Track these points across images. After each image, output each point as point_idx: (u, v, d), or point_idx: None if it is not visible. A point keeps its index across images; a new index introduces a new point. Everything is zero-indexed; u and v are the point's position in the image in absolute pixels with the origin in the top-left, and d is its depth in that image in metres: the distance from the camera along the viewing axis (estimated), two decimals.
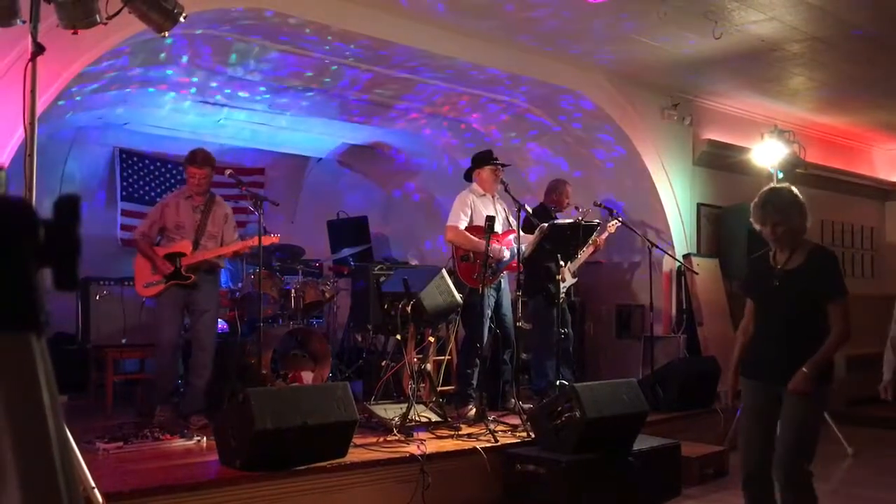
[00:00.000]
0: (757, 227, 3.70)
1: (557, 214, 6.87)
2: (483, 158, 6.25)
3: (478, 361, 5.95)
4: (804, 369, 3.50)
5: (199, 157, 5.70)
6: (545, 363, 6.57)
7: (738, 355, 3.86)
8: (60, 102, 5.78)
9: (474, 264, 5.87)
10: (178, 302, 5.63)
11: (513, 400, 6.02)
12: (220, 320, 6.24)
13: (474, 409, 5.80)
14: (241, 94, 7.23)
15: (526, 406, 5.70)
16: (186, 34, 5.59)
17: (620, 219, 7.27)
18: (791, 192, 3.69)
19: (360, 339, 7.64)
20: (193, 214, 5.71)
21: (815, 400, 3.59)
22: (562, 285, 6.14)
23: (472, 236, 5.93)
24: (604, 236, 7.19)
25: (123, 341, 6.64)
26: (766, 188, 3.77)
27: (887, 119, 9.28)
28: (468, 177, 6.32)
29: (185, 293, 5.62)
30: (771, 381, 3.65)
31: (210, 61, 6.34)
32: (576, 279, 7.08)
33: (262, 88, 7.10)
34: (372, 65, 6.59)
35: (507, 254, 5.99)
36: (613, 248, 7.65)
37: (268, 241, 5.61)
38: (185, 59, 6.19)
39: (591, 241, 6.55)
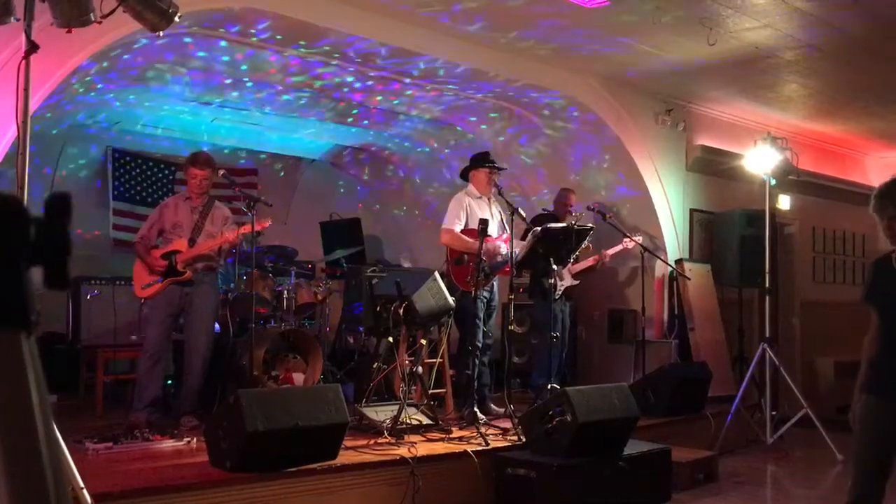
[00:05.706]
0: (876, 220, 3.35)
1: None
2: (479, 160, 6.30)
3: (477, 362, 5.95)
4: None
5: (201, 159, 5.76)
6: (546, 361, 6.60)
7: (862, 371, 3.38)
8: (54, 101, 5.76)
9: (468, 267, 5.87)
10: (174, 302, 5.60)
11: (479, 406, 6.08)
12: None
13: (477, 410, 5.79)
14: (234, 94, 7.22)
15: (497, 410, 5.69)
16: (182, 33, 5.58)
17: (639, 239, 7.28)
18: None
19: (351, 340, 7.62)
20: (191, 215, 5.73)
21: None
22: (559, 284, 6.14)
23: (467, 238, 5.94)
24: (612, 251, 7.22)
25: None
26: (887, 180, 3.38)
27: (880, 127, 9.32)
28: (464, 175, 6.35)
29: (181, 294, 5.60)
30: None
31: (204, 61, 6.32)
32: (577, 282, 7.10)
33: (257, 89, 7.08)
34: (364, 66, 6.59)
35: (503, 248, 5.98)
36: None
37: (260, 226, 5.61)
38: (181, 58, 6.17)
39: (584, 245, 6.57)
